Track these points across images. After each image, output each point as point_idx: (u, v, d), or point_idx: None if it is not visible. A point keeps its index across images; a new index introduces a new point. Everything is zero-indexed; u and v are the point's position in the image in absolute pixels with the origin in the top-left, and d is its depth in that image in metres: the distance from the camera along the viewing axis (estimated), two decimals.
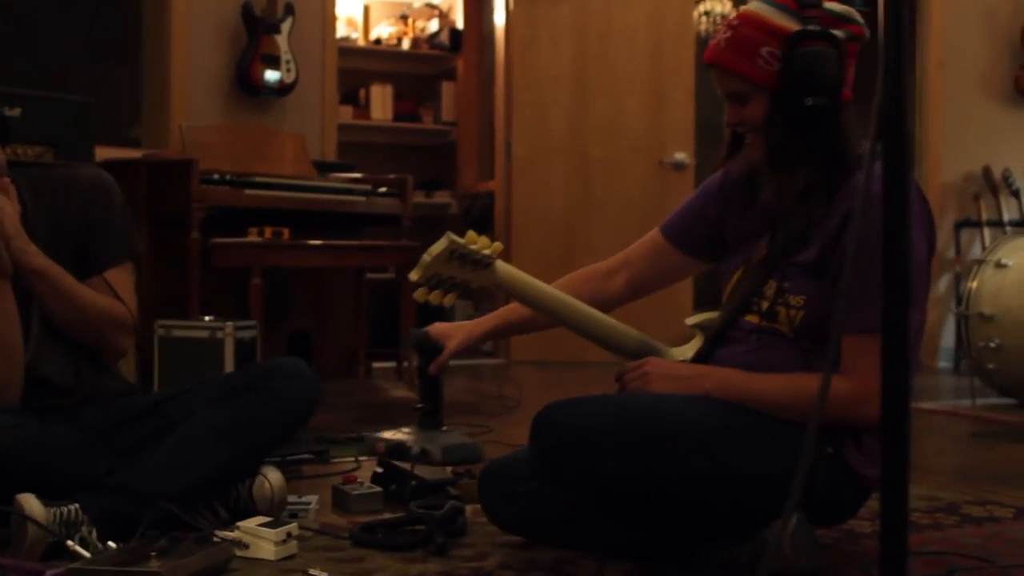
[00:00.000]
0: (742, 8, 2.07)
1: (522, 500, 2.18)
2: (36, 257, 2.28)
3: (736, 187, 2.22)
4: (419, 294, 2.03)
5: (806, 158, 2.02)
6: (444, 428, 2.41)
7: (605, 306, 2.29)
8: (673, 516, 2.03)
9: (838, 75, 1.96)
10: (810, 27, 1.96)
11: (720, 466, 1.96)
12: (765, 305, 2.08)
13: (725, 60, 2.02)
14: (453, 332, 2.32)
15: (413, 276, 2.01)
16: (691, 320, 2.28)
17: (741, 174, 2.17)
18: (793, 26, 1.97)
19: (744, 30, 2.00)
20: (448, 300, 2.06)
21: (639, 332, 2.23)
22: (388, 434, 2.46)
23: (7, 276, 2.23)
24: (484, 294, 1.87)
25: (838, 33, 1.98)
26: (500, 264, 2.07)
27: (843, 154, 2.02)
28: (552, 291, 2.18)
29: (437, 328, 2.34)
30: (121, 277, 2.49)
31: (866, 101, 2.02)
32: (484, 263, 2.03)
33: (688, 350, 2.24)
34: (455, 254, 1.99)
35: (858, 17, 2.04)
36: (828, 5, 2.01)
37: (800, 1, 1.99)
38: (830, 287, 2.00)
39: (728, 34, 2.02)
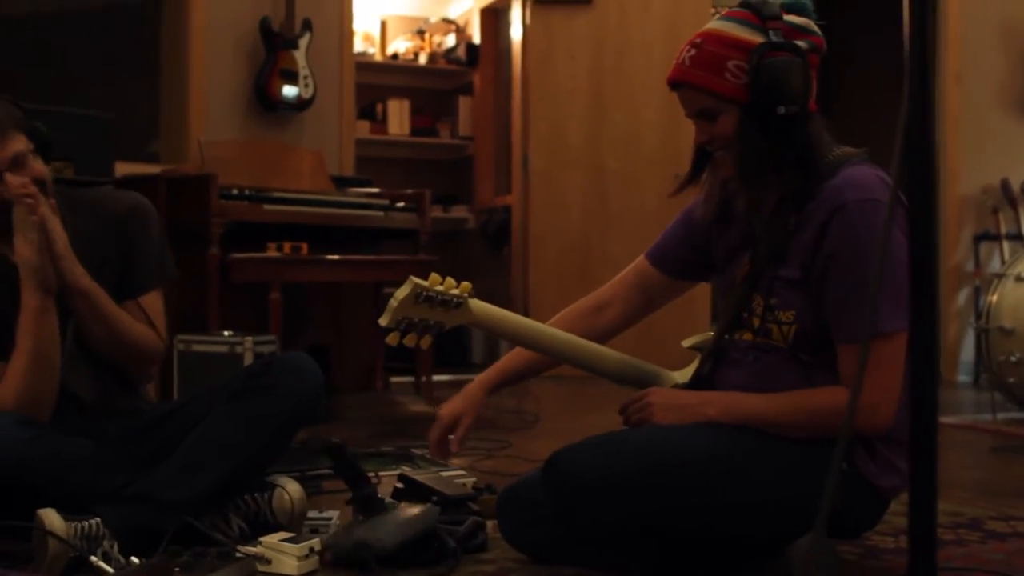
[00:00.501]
0: (704, 27, 2.07)
1: (541, 524, 2.15)
2: (83, 278, 2.31)
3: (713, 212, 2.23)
4: (391, 339, 2.02)
5: (777, 169, 2.02)
6: (390, 505, 2.23)
7: (600, 339, 2.28)
8: (693, 545, 2.02)
9: (805, 84, 1.97)
10: (774, 39, 1.97)
11: (733, 496, 1.96)
12: (756, 323, 2.08)
13: (692, 77, 2.02)
14: (463, 409, 2.29)
15: (382, 322, 2.00)
16: (687, 342, 2.27)
17: (709, 212, 2.20)
18: (757, 39, 1.98)
19: (709, 47, 2.01)
20: (424, 342, 2.05)
21: (631, 357, 2.22)
22: (335, 532, 2.28)
23: (52, 293, 2.25)
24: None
25: (801, 44, 1.99)
26: (474, 302, 2.05)
27: (812, 163, 2.01)
28: (532, 324, 2.16)
29: (446, 413, 2.29)
30: (155, 302, 2.52)
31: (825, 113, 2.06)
32: (455, 303, 2.02)
33: (688, 372, 2.23)
34: (421, 296, 1.98)
35: (816, 28, 2.05)
36: (788, 18, 2.02)
37: (761, 15, 2.00)
38: (816, 299, 1.99)
39: (692, 52, 2.02)
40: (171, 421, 2.43)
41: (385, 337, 2.02)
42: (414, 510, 2.18)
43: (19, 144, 2.30)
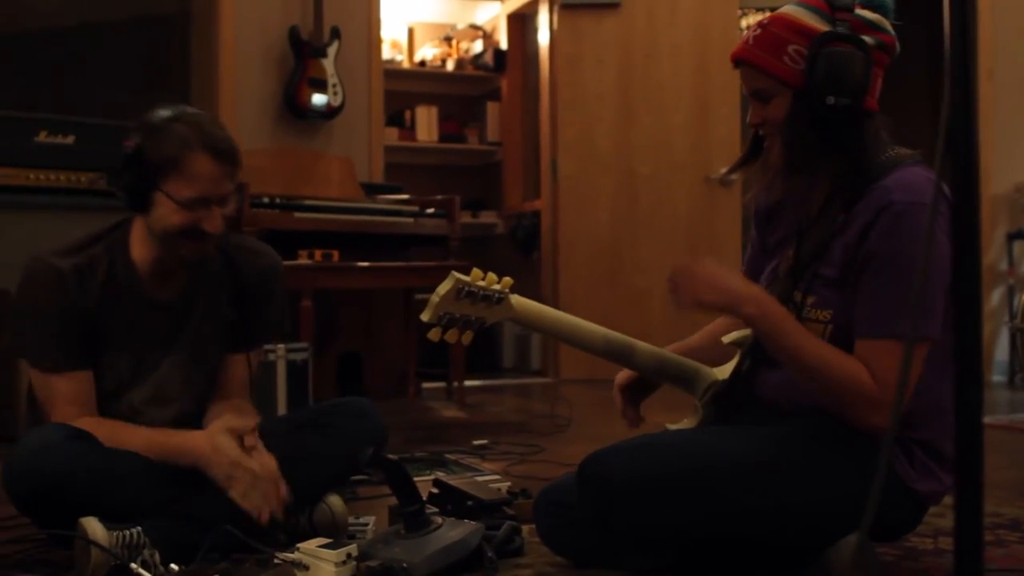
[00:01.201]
0: (776, 11, 2.06)
1: (577, 527, 2.15)
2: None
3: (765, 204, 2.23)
4: (433, 334, 2.00)
5: (823, 161, 2.00)
6: (434, 525, 2.16)
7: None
8: (728, 550, 2.01)
9: (863, 79, 1.94)
10: (840, 30, 1.95)
11: (768, 500, 1.94)
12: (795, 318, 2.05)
13: (751, 56, 2.01)
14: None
15: (424, 317, 1.98)
16: (728, 338, 2.24)
17: (763, 200, 2.20)
18: (823, 27, 1.96)
19: (773, 28, 2.00)
20: (466, 338, 2.03)
21: (671, 354, 2.18)
22: (373, 539, 2.24)
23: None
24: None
25: (867, 39, 1.97)
26: (515, 298, 2.04)
27: (864, 162, 1.99)
28: (569, 319, 2.13)
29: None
30: (253, 359, 2.58)
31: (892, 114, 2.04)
32: (496, 298, 2.00)
33: (728, 368, 2.21)
34: (463, 292, 1.97)
35: (889, 27, 2.02)
36: (861, 12, 1.99)
37: (833, 5, 1.98)
38: (852, 298, 1.96)
39: (758, 32, 2.02)
40: None
41: (427, 333, 1.99)
42: (458, 532, 2.14)
43: (232, 183, 2.35)
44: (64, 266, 2.32)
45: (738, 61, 2.06)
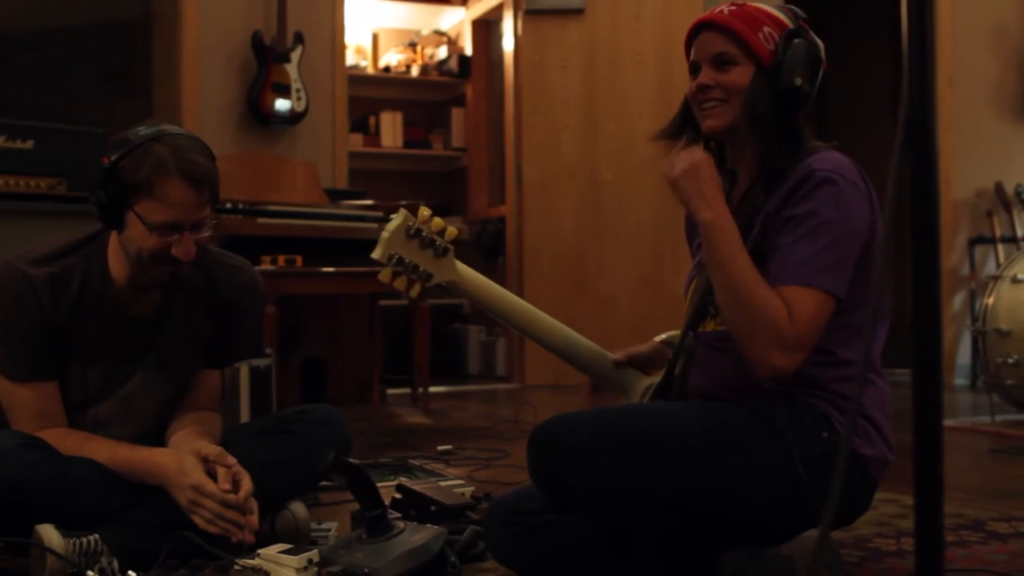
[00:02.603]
0: None
1: (533, 535, 2.10)
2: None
3: None
4: (384, 275, 2.02)
5: (769, 136, 2.06)
6: (396, 530, 2.14)
7: None
8: (677, 534, 1.99)
9: (815, 79, 2.07)
10: (804, 32, 2.08)
11: (712, 461, 1.95)
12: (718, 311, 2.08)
13: (727, 22, 2.08)
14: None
15: (375, 254, 2.01)
16: (659, 337, 2.27)
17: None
18: (790, 24, 2.09)
19: (750, 9, 2.09)
20: (414, 291, 2.05)
21: (604, 351, 2.21)
22: (335, 545, 2.21)
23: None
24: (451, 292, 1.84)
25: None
26: (460, 264, 2.09)
27: (796, 146, 2.06)
28: (511, 297, 2.17)
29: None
30: (226, 374, 2.55)
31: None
32: (441, 251, 2.04)
33: (659, 374, 2.23)
34: (411, 230, 2.00)
35: (823, 52, 2.11)
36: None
37: (797, 15, 2.12)
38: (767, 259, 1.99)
39: (733, 8, 2.11)
40: None
41: (378, 275, 2.03)
42: (420, 537, 2.12)
43: (210, 208, 2.30)
44: (38, 276, 2.29)
45: (708, 24, 2.11)
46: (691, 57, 2.15)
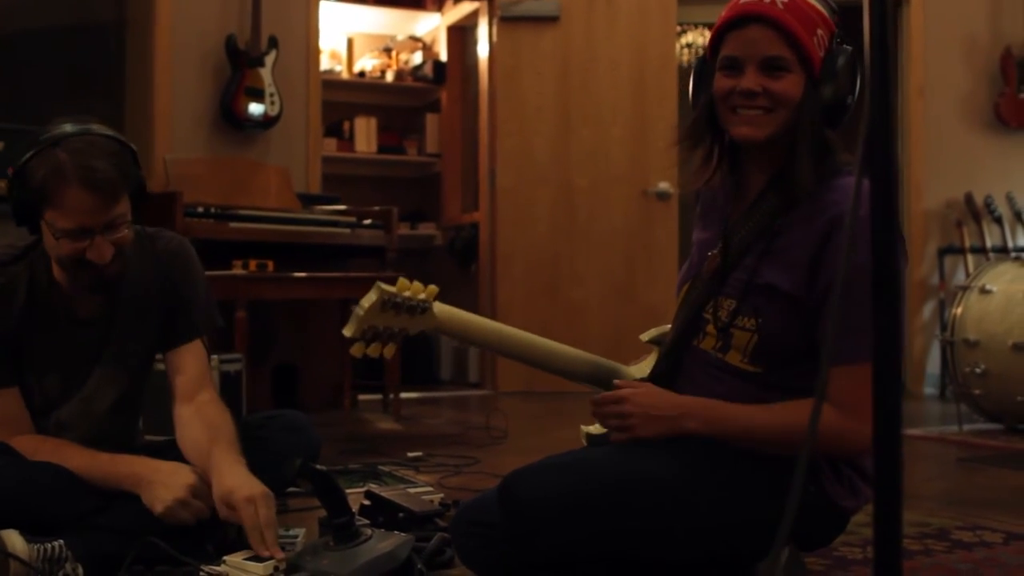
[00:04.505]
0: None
1: (498, 546, 2.03)
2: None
3: (705, 193, 2.18)
4: (355, 349, 1.94)
5: (806, 152, 1.91)
6: (364, 536, 2.12)
7: None
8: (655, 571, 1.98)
9: (856, 86, 1.91)
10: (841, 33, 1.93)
11: (686, 520, 1.90)
12: (715, 328, 2.01)
13: (785, 20, 1.87)
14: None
15: (347, 332, 1.93)
16: (645, 335, 2.21)
17: (714, 184, 2.12)
18: (833, 24, 1.92)
19: (802, 4, 1.89)
20: (388, 351, 1.98)
21: (591, 355, 2.15)
22: (301, 551, 2.17)
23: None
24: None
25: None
26: (438, 306, 1.99)
27: (828, 161, 1.93)
28: (493, 325, 2.09)
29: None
30: (200, 351, 2.50)
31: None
32: (420, 308, 1.96)
33: (645, 367, 2.17)
34: (388, 303, 1.92)
35: None
36: None
37: (831, 8, 1.94)
38: (811, 316, 1.92)
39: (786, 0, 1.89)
40: (157, 456, 2.36)
41: (349, 349, 1.96)
42: (387, 544, 2.10)
43: (123, 207, 2.25)
44: None
45: (760, 17, 1.89)
46: (728, 50, 1.93)
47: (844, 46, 1.90)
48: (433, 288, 1.98)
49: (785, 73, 1.89)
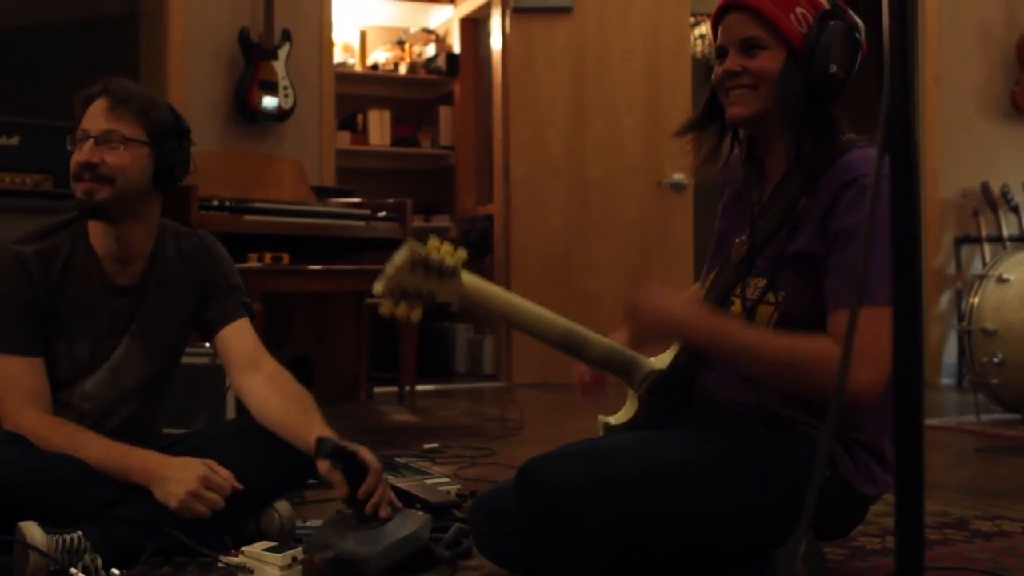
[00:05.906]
0: None
1: (517, 535, 2.04)
2: None
3: (730, 184, 2.22)
4: (384, 308, 1.93)
5: (802, 127, 1.99)
6: (386, 516, 2.15)
7: None
8: (671, 558, 1.97)
9: (851, 63, 1.98)
10: (841, 13, 1.98)
11: (707, 506, 1.90)
12: (742, 307, 2.03)
13: (757, 3, 1.98)
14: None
15: (377, 289, 1.92)
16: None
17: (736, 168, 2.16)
18: (826, 4, 1.99)
19: None
20: (415, 315, 1.95)
21: (616, 344, 2.11)
22: (324, 527, 2.21)
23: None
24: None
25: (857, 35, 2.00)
26: (466, 274, 1.98)
27: (831, 139, 1.99)
28: (519, 301, 2.08)
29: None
30: (248, 327, 2.57)
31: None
32: (449, 272, 1.94)
33: (666, 358, 2.16)
34: (418, 263, 1.91)
35: (863, 35, 2.02)
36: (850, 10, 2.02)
37: None
38: (814, 280, 1.94)
39: None
40: (173, 448, 2.38)
41: (378, 308, 1.97)
42: (411, 524, 2.12)
43: (123, 127, 2.36)
44: (27, 252, 2.37)
45: (735, 5, 2.02)
46: (718, 40, 2.06)
47: (833, 22, 1.96)
48: (462, 253, 1.96)
49: (761, 51, 1.99)
